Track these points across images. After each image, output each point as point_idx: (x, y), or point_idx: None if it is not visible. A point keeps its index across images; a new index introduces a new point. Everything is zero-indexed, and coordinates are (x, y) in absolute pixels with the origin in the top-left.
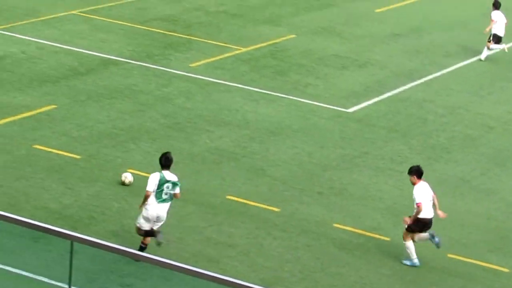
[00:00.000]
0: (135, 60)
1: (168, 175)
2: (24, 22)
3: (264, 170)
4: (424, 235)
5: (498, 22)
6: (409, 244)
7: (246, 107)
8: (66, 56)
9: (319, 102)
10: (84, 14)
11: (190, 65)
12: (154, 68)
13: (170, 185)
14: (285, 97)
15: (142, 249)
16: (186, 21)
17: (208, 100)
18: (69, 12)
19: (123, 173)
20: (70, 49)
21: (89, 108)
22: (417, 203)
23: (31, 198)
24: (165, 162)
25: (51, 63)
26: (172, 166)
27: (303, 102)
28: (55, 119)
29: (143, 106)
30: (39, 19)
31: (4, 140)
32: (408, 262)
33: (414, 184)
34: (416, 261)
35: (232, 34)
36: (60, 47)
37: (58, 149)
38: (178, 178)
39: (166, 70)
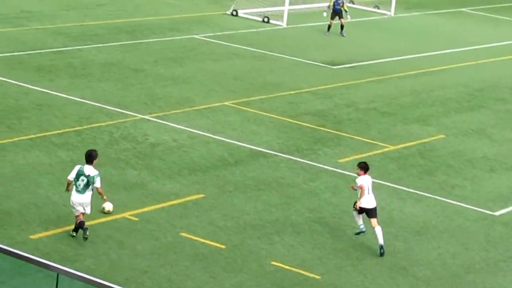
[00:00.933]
0: (284, 153)
1: (87, 169)
2: (178, 111)
3: (406, 269)
4: (379, 235)
5: None
6: (359, 220)
7: (392, 205)
8: (216, 146)
9: (465, 204)
10: (236, 106)
11: (338, 160)
12: (302, 162)
13: (84, 178)
14: (431, 197)
15: (81, 224)
16: (337, 117)
17: (354, 196)
18: (222, 103)
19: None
20: (221, 140)
21: (236, 198)
22: (359, 185)
23: (175, 285)
24: (88, 157)
25: (202, 152)
26: (95, 161)
27: (449, 202)
28: (202, 208)
29: (290, 199)
30: (192, 108)
31: (152, 226)
32: (358, 230)
33: (359, 175)
34: (363, 227)
35: (381, 132)
36: (212, 137)
37: (204, 238)
38: (98, 173)
39: (314, 165)
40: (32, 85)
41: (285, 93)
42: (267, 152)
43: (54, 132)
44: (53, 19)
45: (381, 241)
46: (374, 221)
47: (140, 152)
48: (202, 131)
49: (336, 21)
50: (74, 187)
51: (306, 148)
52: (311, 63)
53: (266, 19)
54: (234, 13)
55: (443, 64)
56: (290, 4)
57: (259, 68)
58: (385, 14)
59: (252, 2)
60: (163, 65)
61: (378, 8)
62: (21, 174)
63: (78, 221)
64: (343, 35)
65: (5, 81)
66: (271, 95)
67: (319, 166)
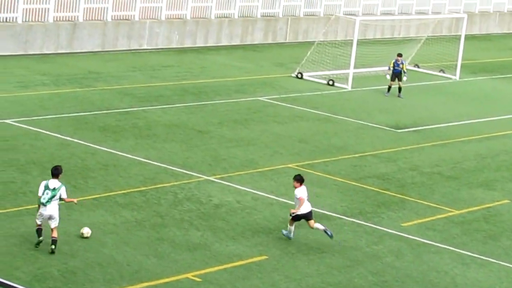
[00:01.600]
0: (347, 216)
1: (52, 183)
2: (242, 172)
3: None
4: (320, 226)
5: None
6: (292, 228)
7: (456, 270)
8: (280, 208)
9: None
10: (300, 168)
11: (402, 224)
12: (365, 225)
13: (49, 191)
14: (495, 262)
15: (38, 231)
16: (400, 181)
17: (417, 260)
18: (285, 165)
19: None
20: (285, 202)
21: (298, 261)
22: (299, 197)
23: None
24: (53, 171)
25: (265, 214)
26: (60, 176)
27: None
28: (265, 270)
29: (352, 262)
30: (256, 170)
31: (215, 287)
32: (285, 232)
33: (296, 187)
34: (291, 235)
35: (445, 196)
36: (275, 199)
37: None
38: (62, 185)
39: (377, 228)
40: (98, 145)
41: (349, 156)
42: (330, 215)
43: (119, 192)
44: (120, 80)
45: (323, 227)
46: (311, 222)
47: (204, 213)
48: (266, 193)
49: (396, 83)
50: (41, 200)
51: (369, 211)
52: (375, 126)
53: (331, 82)
54: (299, 75)
55: (508, 129)
56: (355, 67)
57: (323, 130)
58: (450, 78)
59: (317, 65)
60: (228, 127)
61: (443, 72)
62: None
63: (51, 238)
64: (400, 97)
65: (72, 141)
66: (335, 158)
67: (382, 230)
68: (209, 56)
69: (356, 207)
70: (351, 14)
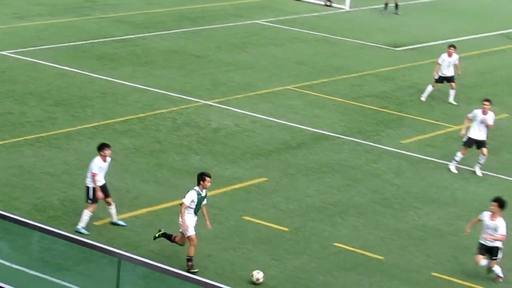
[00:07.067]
0: (346, 136)
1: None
2: (240, 96)
3: (470, 248)
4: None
5: None
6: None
7: (455, 185)
8: (279, 130)
9: None
10: (298, 90)
11: (401, 141)
12: (364, 143)
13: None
14: (495, 176)
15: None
16: (399, 99)
17: (417, 176)
18: (284, 87)
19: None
20: (284, 123)
21: (298, 181)
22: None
23: (238, 268)
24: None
25: (264, 136)
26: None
27: None
28: (265, 192)
29: (352, 181)
30: (254, 93)
31: (215, 211)
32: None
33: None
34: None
35: (445, 112)
36: (274, 121)
37: (266, 221)
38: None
39: (376, 146)
40: (96, 74)
41: (347, 76)
42: (329, 135)
43: (118, 119)
44: (116, 8)
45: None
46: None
47: (203, 137)
48: (265, 115)
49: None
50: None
51: (368, 130)
52: (374, 46)
53: (328, 3)
54: None
55: (506, 44)
56: None
57: (321, 52)
58: None
59: None
60: (226, 51)
61: None
62: (86, 161)
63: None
64: (397, 14)
65: (69, 70)
66: (333, 78)
67: (381, 148)
68: None
69: (355, 126)
70: None
